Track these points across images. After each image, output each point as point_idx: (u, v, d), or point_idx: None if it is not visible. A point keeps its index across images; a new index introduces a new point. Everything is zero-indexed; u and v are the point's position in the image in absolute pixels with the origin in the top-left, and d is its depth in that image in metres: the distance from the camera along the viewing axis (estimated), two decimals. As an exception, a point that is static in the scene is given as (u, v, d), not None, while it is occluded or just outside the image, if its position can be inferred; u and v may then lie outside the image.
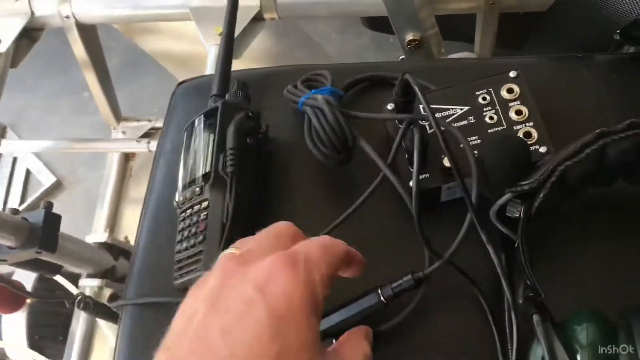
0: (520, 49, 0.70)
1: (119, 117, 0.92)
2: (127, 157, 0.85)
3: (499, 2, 0.69)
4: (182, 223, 0.47)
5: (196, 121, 0.51)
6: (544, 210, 0.39)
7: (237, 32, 0.72)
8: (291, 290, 0.29)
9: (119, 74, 1.11)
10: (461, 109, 0.46)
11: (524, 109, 0.45)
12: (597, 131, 0.39)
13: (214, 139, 0.48)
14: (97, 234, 0.79)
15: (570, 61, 0.54)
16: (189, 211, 0.47)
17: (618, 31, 0.53)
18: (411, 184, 0.42)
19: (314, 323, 0.29)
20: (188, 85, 0.63)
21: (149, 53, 0.90)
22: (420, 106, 0.46)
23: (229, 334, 0.28)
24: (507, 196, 0.40)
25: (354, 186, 0.48)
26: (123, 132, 0.91)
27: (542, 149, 0.44)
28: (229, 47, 0.58)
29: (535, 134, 0.44)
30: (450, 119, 0.46)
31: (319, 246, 0.32)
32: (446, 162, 0.43)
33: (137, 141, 0.84)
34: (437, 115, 0.46)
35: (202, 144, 0.50)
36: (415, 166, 0.42)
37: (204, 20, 0.62)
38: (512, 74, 0.47)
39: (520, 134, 0.44)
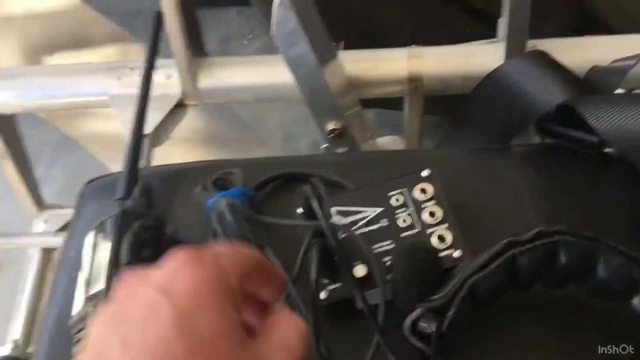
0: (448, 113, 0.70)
1: (41, 205, 0.88)
2: (48, 252, 0.79)
3: (423, 86, 0.69)
4: (74, 347, 0.44)
5: (93, 232, 0.49)
6: (458, 324, 0.38)
7: (156, 121, 0.70)
8: (198, 284, 0.27)
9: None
10: (374, 211, 0.44)
11: (438, 210, 0.44)
12: (505, 241, 0.39)
13: (109, 253, 0.45)
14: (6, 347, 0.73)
15: (488, 154, 0.54)
16: (83, 332, 0.44)
17: (533, 123, 0.53)
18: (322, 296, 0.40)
19: (231, 312, 0.27)
20: (97, 184, 0.59)
21: (75, 139, 0.87)
22: (332, 209, 0.44)
23: (129, 345, 0.25)
24: (417, 311, 0.38)
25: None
26: (45, 222, 0.87)
27: (456, 254, 0.42)
28: (136, 146, 0.55)
29: (449, 237, 0.43)
30: (361, 223, 0.44)
31: (228, 247, 0.32)
32: (358, 272, 0.41)
33: (54, 235, 0.79)
34: (349, 219, 0.44)
35: (98, 257, 0.47)
36: (313, 280, 0.40)
37: (125, 109, 0.60)
38: (424, 172, 0.45)
39: (434, 238, 0.43)
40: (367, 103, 0.71)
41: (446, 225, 0.43)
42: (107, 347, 0.26)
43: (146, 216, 0.47)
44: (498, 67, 0.56)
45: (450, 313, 0.37)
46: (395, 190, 0.45)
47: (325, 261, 0.41)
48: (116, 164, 0.59)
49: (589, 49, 0.65)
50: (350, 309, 0.42)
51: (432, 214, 0.43)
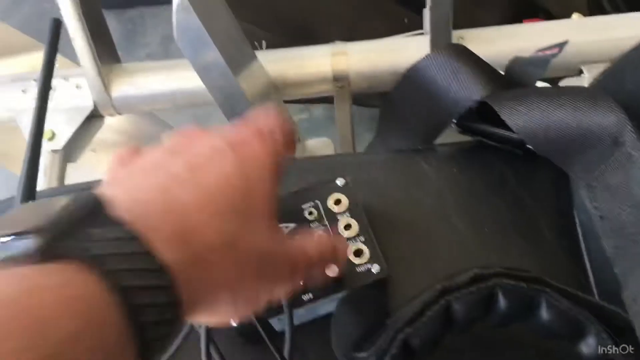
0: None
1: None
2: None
3: (348, 85, 0.65)
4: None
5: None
6: None
7: (68, 135, 0.65)
8: (261, 156, 0.30)
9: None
10: (286, 227, 0.41)
11: (353, 223, 0.41)
12: (439, 287, 0.35)
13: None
14: None
15: (410, 156, 0.50)
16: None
17: (454, 120, 0.50)
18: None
19: (276, 194, 0.30)
20: (-6, 210, 0.55)
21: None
22: None
23: (194, 167, 0.28)
24: None
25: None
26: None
27: (375, 268, 0.39)
28: (32, 166, 0.50)
29: (366, 251, 0.40)
30: None
31: (276, 123, 0.32)
32: None
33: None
34: None
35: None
36: None
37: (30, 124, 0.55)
38: (339, 181, 0.42)
39: (350, 253, 0.40)
40: (306, 100, 0.67)
41: (363, 238, 0.40)
42: (172, 165, 0.28)
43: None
44: (416, 63, 0.53)
45: None
46: (308, 202, 0.42)
47: None
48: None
49: (517, 36, 0.62)
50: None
51: (347, 227, 0.40)
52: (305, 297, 0.39)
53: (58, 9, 0.61)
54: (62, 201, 0.24)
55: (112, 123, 0.77)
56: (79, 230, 0.23)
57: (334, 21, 0.95)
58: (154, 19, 1.66)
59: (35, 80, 0.67)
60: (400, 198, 0.48)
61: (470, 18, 0.97)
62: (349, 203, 0.41)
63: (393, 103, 0.56)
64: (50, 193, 0.55)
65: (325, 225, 0.41)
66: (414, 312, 0.35)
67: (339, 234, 0.40)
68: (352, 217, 0.41)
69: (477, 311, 0.35)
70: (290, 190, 0.43)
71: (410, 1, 0.92)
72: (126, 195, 0.25)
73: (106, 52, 0.66)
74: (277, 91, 0.65)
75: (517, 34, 0.63)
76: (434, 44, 0.61)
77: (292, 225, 0.41)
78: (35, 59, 0.76)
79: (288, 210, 0.41)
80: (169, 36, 1.62)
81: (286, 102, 0.67)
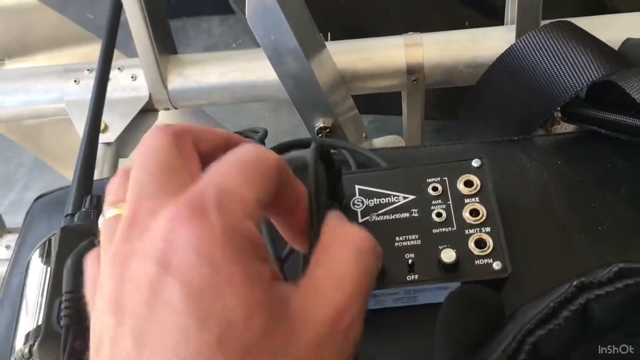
0: (450, 118, 0.62)
1: (3, 229, 0.80)
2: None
3: (423, 78, 0.60)
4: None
5: (36, 254, 0.40)
6: None
7: (121, 127, 0.61)
8: (206, 250, 0.20)
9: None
10: (405, 198, 0.37)
11: (482, 209, 0.36)
12: (575, 283, 0.29)
13: (48, 280, 0.36)
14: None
15: (506, 146, 0.45)
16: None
17: (559, 108, 0.44)
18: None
19: (258, 269, 0.21)
20: (47, 200, 0.51)
21: (36, 155, 0.78)
22: (356, 187, 0.37)
23: (144, 340, 0.20)
24: None
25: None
26: (7, 247, 0.78)
27: (496, 265, 0.34)
28: (89, 153, 0.47)
29: (490, 243, 0.35)
30: (387, 208, 0.36)
31: (235, 166, 0.23)
32: None
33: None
34: (372, 201, 0.37)
35: (36, 286, 0.38)
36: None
37: (84, 116, 0.51)
38: (475, 162, 0.37)
39: (471, 242, 0.35)
40: (359, 108, 0.62)
41: (488, 229, 0.35)
42: (120, 345, 0.20)
43: (97, 234, 0.38)
44: (511, 47, 0.48)
45: None
46: (434, 177, 0.37)
47: None
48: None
49: (612, 28, 0.57)
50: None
51: (474, 213, 0.35)
52: (410, 277, 0.34)
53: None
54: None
55: (162, 121, 0.73)
56: None
57: (391, 22, 0.90)
58: (195, 29, 1.65)
59: (89, 70, 0.63)
60: (498, 192, 0.42)
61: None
62: (481, 187, 0.36)
63: (481, 94, 0.51)
64: (106, 183, 0.50)
65: (449, 205, 0.36)
66: (547, 312, 0.29)
67: (461, 219, 0.35)
68: (481, 202, 0.36)
69: (622, 314, 0.30)
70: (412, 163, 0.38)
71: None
72: None
73: (164, 42, 0.62)
74: (346, 84, 0.60)
75: (612, 25, 0.57)
76: (520, 34, 0.56)
77: (411, 197, 0.36)
78: (87, 51, 0.73)
79: (409, 181, 0.37)
80: (210, 47, 1.60)
81: (354, 97, 0.62)
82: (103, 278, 0.22)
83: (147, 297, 0.20)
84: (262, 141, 0.43)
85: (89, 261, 0.25)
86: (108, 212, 0.25)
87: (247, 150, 0.24)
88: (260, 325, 0.20)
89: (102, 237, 0.24)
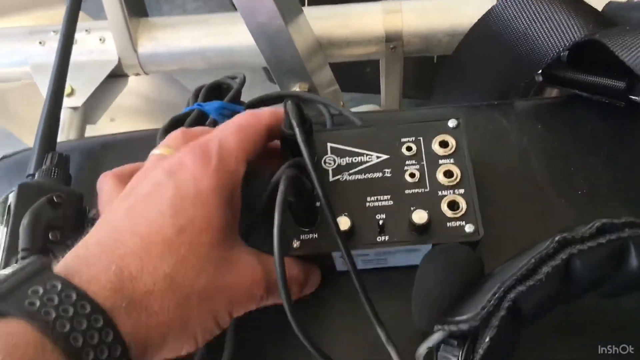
0: (428, 97, 0.61)
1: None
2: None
3: (401, 46, 0.59)
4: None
5: (-5, 212, 0.37)
6: (495, 355, 0.28)
7: (88, 91, 0.59)
8: (200, 176, 0.29)
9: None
10: (378, 157, 0.36)
11: (456, 171, 0.34)
12: (557, 238, 0.29)
13: (5, 238, 0.34)
14: None
15: (486, 110, 0.44)
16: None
17: (539, 72, 0.43)
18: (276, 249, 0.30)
19: (226, 212, 0.30)
20: (10, 161, 0.48)
21: (0, 123, 0.75)
22: (328, 144, 0.36)
23: (131, 211, 0.28)
24: (436, 335, 0.29)
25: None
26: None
27: (468, 227, 0.33)
28: (53, 113, 0.45)
29: (463, 205, 0.34)
30: (359, 167, 0.35)
31: (234, 129, 0.32)
32: (344, 223, 0.32)
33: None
34: (344, 160, 0.36)
35: (-4, 243, 0.36)
36: (275, 230, 0.30)
37: (48, 79, 0.49)
38: (450, 122, 0.36)
39: (444, 203, 0.34)
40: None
41: (462, 190, 0.34)
42: (114, 212, 0.29)
43: (57, 191, 0.36)
44: (491, 8, 0.47)
45: (486, 339, 0.27)
46: (409, 137, 0.36)
47: (303, 205, 0.33)
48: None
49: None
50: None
51: (448, 174, 0.34)
52: (380, 238, 0.33)
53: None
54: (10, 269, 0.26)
55: (132, 88, 0.71)
56: (23, 289, 0.24)
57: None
58: (169, 4, 1.62)
59: (54, 32, 0.61)
60: (477, 157, 0.41)
61: None
62: (456, 148, 0.35)
63: (461, 57, 0.50)
64: (71, 145, 0.48)
65: (422, 166, 0.34)
66: (528, 268, 0.28)
67: (435, 180, 0.34)
68: (455, 164, 0.35)
69: (604, 269, 0.29)
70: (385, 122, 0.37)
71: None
72: (72, 252, 0.27)
73: (134, 4, 0.60)
74: (323, 50, 0.59)
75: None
76: (501, 0, 0.55)
77: (384, 156, 0.35)
78: (55, 14, 0.70)
79: (383, 140, 0.36)
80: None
81: (332, 65, 0.60)
82: (129, 183, 0.31)
83: (150, 189, 0.29)
84: (241, 87, 0.42)
85: (111, 180, 0.33)
86: (155, 150, 0.33)
87: (244, 118, 0.33)
88: (209, 240, 0.28)
89: (146, 164, 0.32)
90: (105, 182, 0.33)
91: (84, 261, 0.26)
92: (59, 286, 0.24)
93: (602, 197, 0.40)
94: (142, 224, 0.27)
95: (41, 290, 0.24)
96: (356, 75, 0.80)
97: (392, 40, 0.59)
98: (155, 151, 0.33)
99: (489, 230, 0.34)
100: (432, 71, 0.73)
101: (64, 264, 0.26)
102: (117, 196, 0.31)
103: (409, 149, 0.35)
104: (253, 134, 0.32)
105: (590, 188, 0.40)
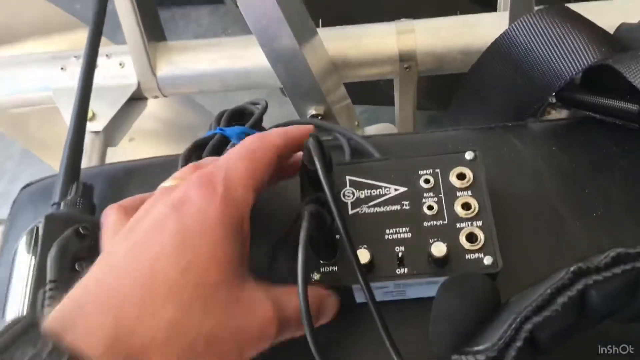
0: (442, 107, 0.61)
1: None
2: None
3: (415, 66, 0.60)
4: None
5: (19, 243, 0.39)
6: None
7: (108, 115, 0.60)
8: (205, 208, 0.28)
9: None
10: (396, 190, 0.36)
11: (474, 203, 0.35)
12: (573, 269, 0.29)
13: (33, 270, 0.36)
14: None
15: (499, 133, 0.44)
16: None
17: (553, 94, 0.44)
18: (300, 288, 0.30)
19: (234, 245, 0.28)
20: (34, 189, 0.50)
21: (23, 146, 0.77)
22: (346, 177, 0.36)
23: (132, 251, 0.27)
24: None
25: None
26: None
27: (487, 260, 0.33)
28: (76, 142, 0.46)
29: (481, 237, 0.34)
30: (378, 200, 0.36)
31: (242, 155, 0.31)
32: (363, 255, 0.33)
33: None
34: (363, 193, 0.36)
35: (22, 276, 0.37)
36: (300, 265, 0.30)
37: (71, 104, 0.50)
38: (468, 155, 0.36)
39: (462, 236, 0.34)
40: (351, 99, 0.62)
41: (480, 222, 0.34)
42: (116, 252, 0.28)
43: (82, 222, 0.37)
44: (504, 32, 0.47)
45: None
46: (427, 169, 0.36)
47: (323, 238, 0.33)
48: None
49: (606, 12, 0.56)
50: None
51: (465, 206, 0.34)
52: (399, 271, 0.33)
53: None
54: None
55: (152, 110, 0.72)
56: (11, 350, 0.23)
57: (383, 8, 0.90)
58: (184, 19, 1.64)
59: (76, 57, 0.62)
60: (492, 181, 0.42)
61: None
62: (473, 180, 0.35)
63: (474, 80, 0.50)
64: (94, 172, 0.49)
65: (440, 198, 0.35)
66: (544, 299, 0.29)
67: (453, 212, 0.35)
68: (473, 196, 0.35)
69: (619, 299, 0.29)
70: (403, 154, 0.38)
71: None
72: (71, 295, 0.26)
73: (152, 29, 0.61)
74: (338, 71, 0.60)
75: (606, 10, 0.57)
76: (513, 20, 0.55)
77: (402, 189, 0.36)
78: (75, 39, 0.72)
79: (401, 172, 0.36)
80: (199, 37, 1.59)
81: (346, 87, 0.61)
82: (134, 215, 0.30)
83: (153, 224, 0.28)
84: (262, 113, 0.43)
85: (116, 213, 0.32)
86: (166, 182, 0.32)
87: (251, 143, 0.32)
88: (216, 277, 0.27)
89: (154, 196, 0.31)
90: (110, 215, 0.32)
91: (80, 311, 0.25)
92: (50, 345, 0.23)
93: (618, 218, 0.40)
94: (143, 265, 0.26)
95: (32, 353, 0.23)
96: (370, 88, 0.81)
97: (405, 60, 0.59)
98: (165, 183, 0.32)
99: (505, 255, 0.34)
100: (445, 83, 0.73)
101: (60, 312, 0.25)
102: (120, 229, 0.29)
103: (426, 181, 0.35)
104: (262, 158, 0.31)
105: (606, 210, 0.40)
